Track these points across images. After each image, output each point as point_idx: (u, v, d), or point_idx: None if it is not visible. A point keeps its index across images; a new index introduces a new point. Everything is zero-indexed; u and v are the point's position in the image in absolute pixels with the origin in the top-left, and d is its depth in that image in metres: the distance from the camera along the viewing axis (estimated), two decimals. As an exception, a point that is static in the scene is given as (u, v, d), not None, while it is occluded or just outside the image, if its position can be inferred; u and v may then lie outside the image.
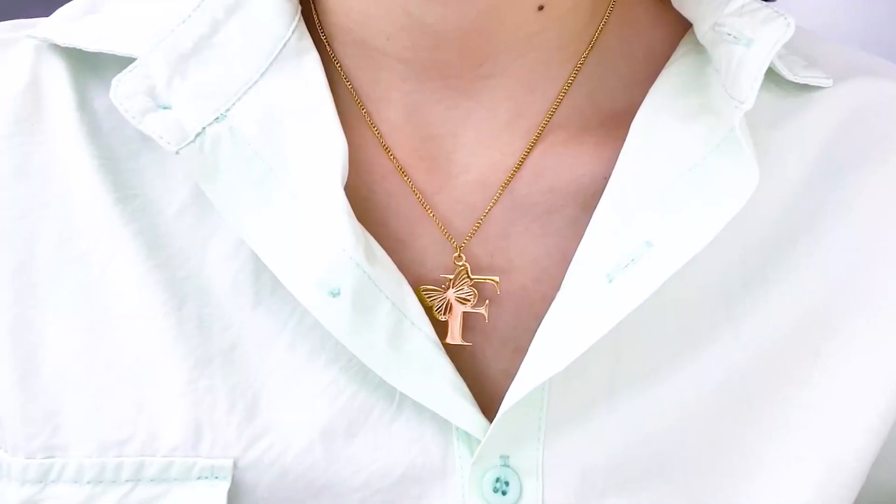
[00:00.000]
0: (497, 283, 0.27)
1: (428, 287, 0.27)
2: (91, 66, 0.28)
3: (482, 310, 0.26)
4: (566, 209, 0.27)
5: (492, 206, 0.28)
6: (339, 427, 0.25)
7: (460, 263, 0.27)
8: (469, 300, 0.26)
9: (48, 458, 0.25)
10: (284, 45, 0.27)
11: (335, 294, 0.25)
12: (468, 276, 0.27)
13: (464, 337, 0.26)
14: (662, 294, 0.25)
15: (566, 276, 0.26)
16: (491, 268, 0.27)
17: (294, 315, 0.26)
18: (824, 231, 0.26)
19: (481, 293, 0.27)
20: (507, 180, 0.28)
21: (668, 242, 0.24)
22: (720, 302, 0.26)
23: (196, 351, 0.25)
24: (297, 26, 0.28)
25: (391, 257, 0.26)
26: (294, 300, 0.26)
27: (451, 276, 0.27)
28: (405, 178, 0.28)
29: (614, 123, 0.28)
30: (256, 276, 0.26)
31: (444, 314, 0.26)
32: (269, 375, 0.26)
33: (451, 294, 0.27)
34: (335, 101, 0.27)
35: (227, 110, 0.26)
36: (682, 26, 0.29)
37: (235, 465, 0.24)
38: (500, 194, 0.28)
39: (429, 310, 0.26)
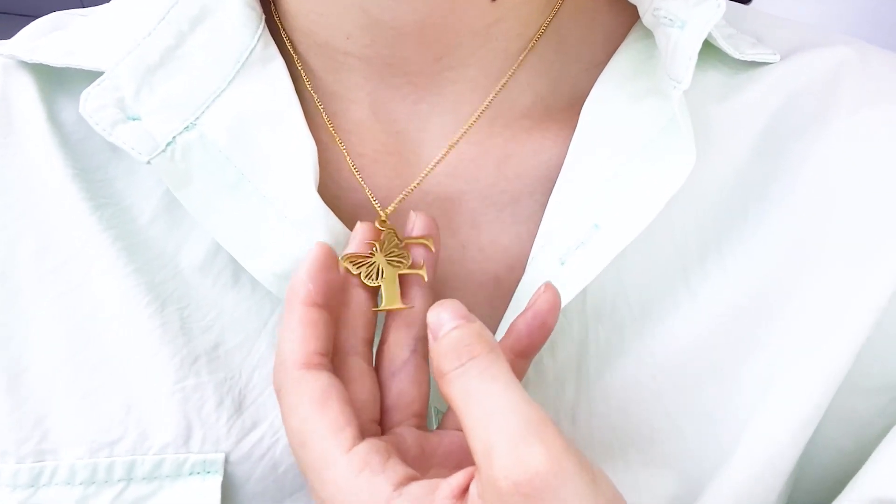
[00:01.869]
0: (429, 246, 0.25)
1: (352, 254, 0.25)
2: (58, 81, 0.29)
3: (421, 271, 0.25)
4: (534, 195, 0.28)
5: (460, 197, 0.28)
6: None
7: (385, 228, 0.26)
8: (403, 262, 0.25)
9: (38, 461, 0.25)
10: (250, 53, 0.28)
11: None
12: (397, 240, 0.25)
13: None
14: (624, 270, 0.26)
15: (527, 262, 0.26)
16: (463, 259, 0.28)
17: (274, 314, 0.27)
18: (773, 201, 0.27)
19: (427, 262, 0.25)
20: (475, 170, 0.28)
21: (613, 224, 0.25)
22: (679, 273, 0.27)
23: (182, 350, 0.26)
24: (261, 34, 0.28)
25: None
26: (272, 299, 0.27)
27: (377, 243, 0.25)
28: (373, 174, 0.28)
29: (577, 107, 0.28)
30: (235, 277, 0.27)
31: (375, 279, 0.24)
32: (253, 371, 0.26)
33: (380, 258, 0.25)
34: (302, 103, 0.28)
35: (197, 119, 0.26)
36: (638, 11, 0.30)
37: (227, 460, 0.25)
38: (468, 185, 0.28)
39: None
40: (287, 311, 0.23)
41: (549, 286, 0.23)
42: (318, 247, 0.23)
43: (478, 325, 0.21)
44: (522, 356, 0.24)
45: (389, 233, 0.26)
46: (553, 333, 0.26)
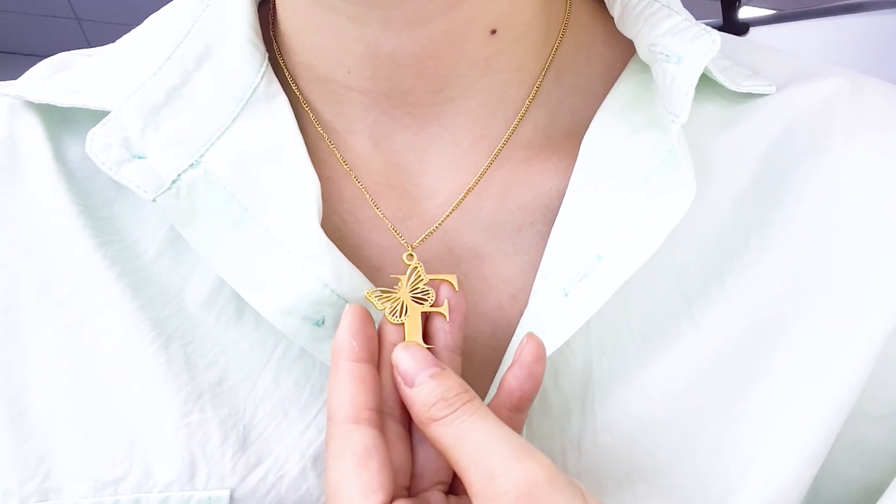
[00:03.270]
0: (451, 282, 0.25)
1: (380, 289, 0.25)
2: (64, 120, 0.29)
3: (442, 309, 0.25)
4: (535, 225, 0.28)
5: (462, 228, 0.28)
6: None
7: (412, 263, 0.26)
8: (426, 300, 0.25)
9: (42, 501, 0.25)
10: (254, 90, 0.28)
11: (319, 324, 0.25)
12: (421, 276, 0.26)
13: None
14: (627, 300, 0.26)
15: (531, 294, 0.26)
16: (466, 289, 0.28)
17: (277, 349, 0.27)
18: (774, 230, 0.27)
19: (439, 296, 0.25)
20: (476, 201, 0.29)
21: (616, 255, 0.25)
22: (681, 303, 0.27)
23: (186, 387, 0.26)
24: (265, 71, 0.29)
25: (370, 283, 0.27)
26: (276, 334, 0.27)
27: (404, 277, 0.26)
28: (375, 207, 0.29)
29: (577, 138, 0.29)
30: (239, 313, 0.27)
31: (400, 316, 0.25)
32: (257, 407, 0.26)
33: (405, 293, 0.25)
34: (304, 137, 0.28)
35: (202, 156, 0.27)
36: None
37: (232, 497, 0.25)
38: (469, 216, 0.29)
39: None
40: (333, 369, 0.23)
41: (531, 336, 0.24)
42: (353, 307, 0.24)
43: (454, 374, 0.23)
44: (517, 410, 0.24)
45: (416, 268, 0.26)
46: (557, 365, 0.26)
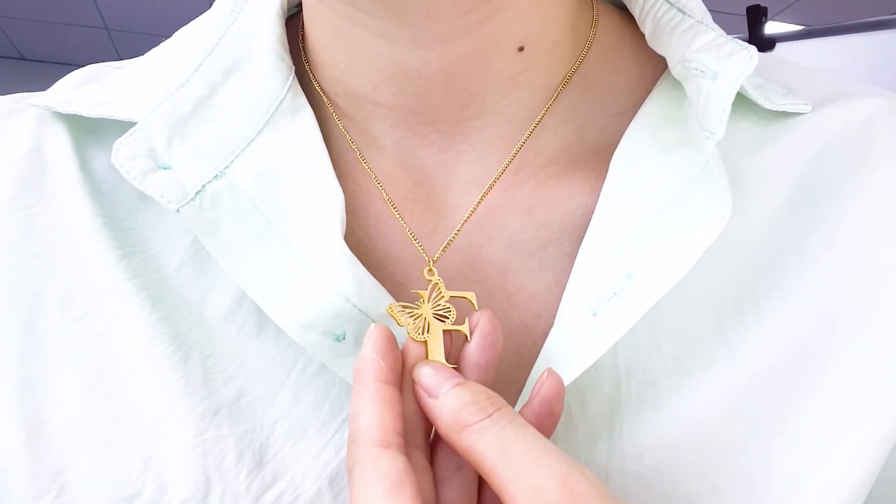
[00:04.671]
0: (470, 300, 0.25)
1: (401, 304, 0.24)
2: (91, 131, 0.29)
3: (463, 328, 0.24)
4: (561, 243, 0.28)
5: (487, 245, 0.28)
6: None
7: (433, 278, 0.26)
8: (448, 317, 0.25)
9: None
10: (280, 103, 0.28)
11: (340, 339, 0.25)
12: (442, 293, 0.25)
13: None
14: (657, 322, 0.26)
15: (557, 313, 0.26)
16: (490, 306, 0.27)
17: (297, 365, 0.26)
18: (811, 255, 0.26)
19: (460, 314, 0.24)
20: (501, 218, 0.28)
21: (647, 274, 0.25)
22: (714, 327, 0.26)
23: (203, 402, 0.26)
24: (291, 85, 0.29)
25: (393, 298, 0.26)
26: (296, 350, 0.26)
27: (425, 292, 0.25)
28: (400, 221, 0.28)
29: (604, 156, 0.28)
30: (260, 327, 0.27)
31: (423, 334, 0.24)
32: (275, 424, 0.26)
33: (427, 310, 0.25)
34: (330, 149, 0.28)
35: (226, 168, 0.27)
36: (665, 60, 0.30)
37: None
38: (495, 232, 0.28)
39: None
40: (358, 388, 0.22)
41: (551, 373, 0.23)
42: (378, 327, 0.23)
43: (479, 385, 0.22)
44: None
45: (436, 284, 0.25)
46: (584, 387, 0.25)
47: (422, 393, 0.22)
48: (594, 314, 0.25)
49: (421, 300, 0.25)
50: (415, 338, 0.24)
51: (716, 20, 0.29)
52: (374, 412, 0.21)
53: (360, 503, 0.20)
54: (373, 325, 0.23)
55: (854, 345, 0.25)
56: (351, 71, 0.28)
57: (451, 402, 0.21)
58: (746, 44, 0.26)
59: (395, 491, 0.20)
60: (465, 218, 0.28)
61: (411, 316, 0.24)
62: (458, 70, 0.27)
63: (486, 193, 0.28)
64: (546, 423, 0.23)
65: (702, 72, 0.26)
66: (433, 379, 0.22)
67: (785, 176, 0.27)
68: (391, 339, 0.23)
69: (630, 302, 0.25)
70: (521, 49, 0.27)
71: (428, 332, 0.24)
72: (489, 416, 0.21)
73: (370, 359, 0.22)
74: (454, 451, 0.22)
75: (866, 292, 0.26)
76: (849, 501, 0.24)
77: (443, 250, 0.27)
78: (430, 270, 0.26)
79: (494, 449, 0.20)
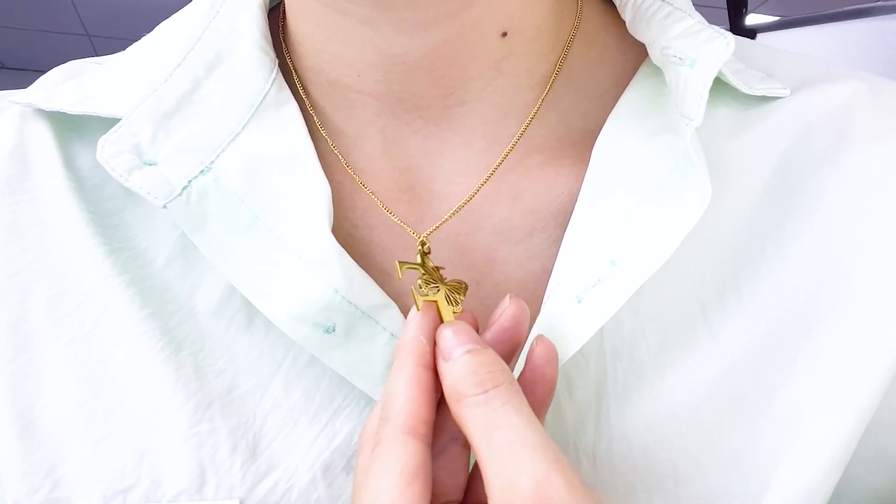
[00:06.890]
0: (461, 288, 0.25)
1: (421, 279, 0.24)
2: (74, 128, 0.29)
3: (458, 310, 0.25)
4: (548, 230, 0.28)
5: (474, 233, 0.28)
6: (340, 464, 0.25)
7: (421, 249, 0.26)
8: (460, 298, 0.25)
9: None
10: (264, 97, 0.28)
11: (329, 331, 0.25)
12: (439, 277, 0.25)
13: None
14: (641, 307, 0.26)
15: (543, 300, 0.26)
16: (478, 294, 0.27)
17: (287, 357, 0.26)
18: (791, 237, 0.27)
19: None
20: (487, 206, 0.28)
21: (630, 260, 0.25)
22: (697, 311, 0.26)
23: (196, 395, 0.26)
24: (275, 78, 0.29)
25: (381, 289, 0.26)
26: (286, 343, 0.26)
27: (433, 267, 0.25)
28: (386, 211, 0.28)
29: (589, 142, 0.29)
30: (249, 320, 0.27)
31: (456, 305, 0.24)
32: (267, 416, 0.26)
33: (444, 291, 0.25)
34: (315, 142, 0.28)
35: (212, 162, 0.27)
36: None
37: None
38: (481, 220, 0.28)
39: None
40: (398, 367, 0.22)
41: (540, 339, 0.23)
42: (427, 305, 0.23)
43: (494, 353, 0.21)
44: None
45: (426, 255, 0.26)
46: (570, 373, 0.26)
47: (438, 354, 0.22)
48: (579, 301, 0.25)
49: (437, 280, 0.25)
50: (455, 310, 0.24)
51: (698, 12, 0.29)
52: (409, 397, 0.21)
53: (373, 481, 0.20)
54: (423, 302, 0.23)
55: (833, 324, 0.26)
56: (334, 60, 0.28)
57: (457, 369, 0.21)
58: (724, 31, 0.27)
59: (408, 484, 0.20)
60: (454, 208, 0.28)
61: (431, 285, 0.24)
62: (441, 56, 0.27)
63: (483, 183, 0.28)
64: (540, 389, 0.23)
65: (680, 59, 0.26)
66: (450, 342, 0.22)
67: (765, 160, 0.28)
68: (437, 320, 0.23)
69: (614, 288, 0.25)
70: (504, 34, 0.27)
71: (458, 304, 0.24)
72: (485, 392, 0.20)
73: (415, 339, 0.22)
74: (439, 435, 0.23)
75: (844, 273, 0.26)
76: (827, 473, 0.25)
77: (427, 236, 0.27)
78: (426, 254, 0.26)
79: (481, 429, 0.20)
